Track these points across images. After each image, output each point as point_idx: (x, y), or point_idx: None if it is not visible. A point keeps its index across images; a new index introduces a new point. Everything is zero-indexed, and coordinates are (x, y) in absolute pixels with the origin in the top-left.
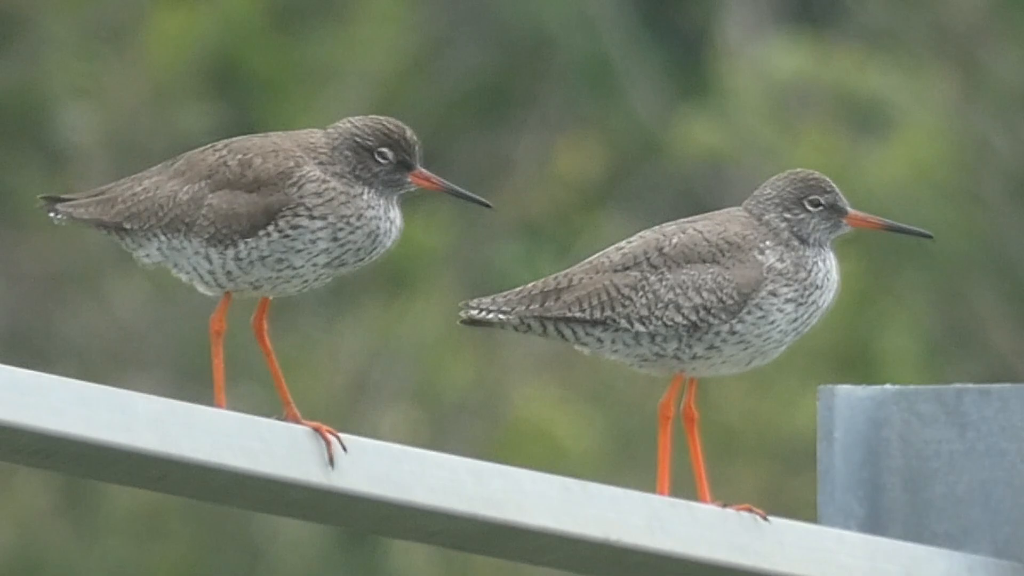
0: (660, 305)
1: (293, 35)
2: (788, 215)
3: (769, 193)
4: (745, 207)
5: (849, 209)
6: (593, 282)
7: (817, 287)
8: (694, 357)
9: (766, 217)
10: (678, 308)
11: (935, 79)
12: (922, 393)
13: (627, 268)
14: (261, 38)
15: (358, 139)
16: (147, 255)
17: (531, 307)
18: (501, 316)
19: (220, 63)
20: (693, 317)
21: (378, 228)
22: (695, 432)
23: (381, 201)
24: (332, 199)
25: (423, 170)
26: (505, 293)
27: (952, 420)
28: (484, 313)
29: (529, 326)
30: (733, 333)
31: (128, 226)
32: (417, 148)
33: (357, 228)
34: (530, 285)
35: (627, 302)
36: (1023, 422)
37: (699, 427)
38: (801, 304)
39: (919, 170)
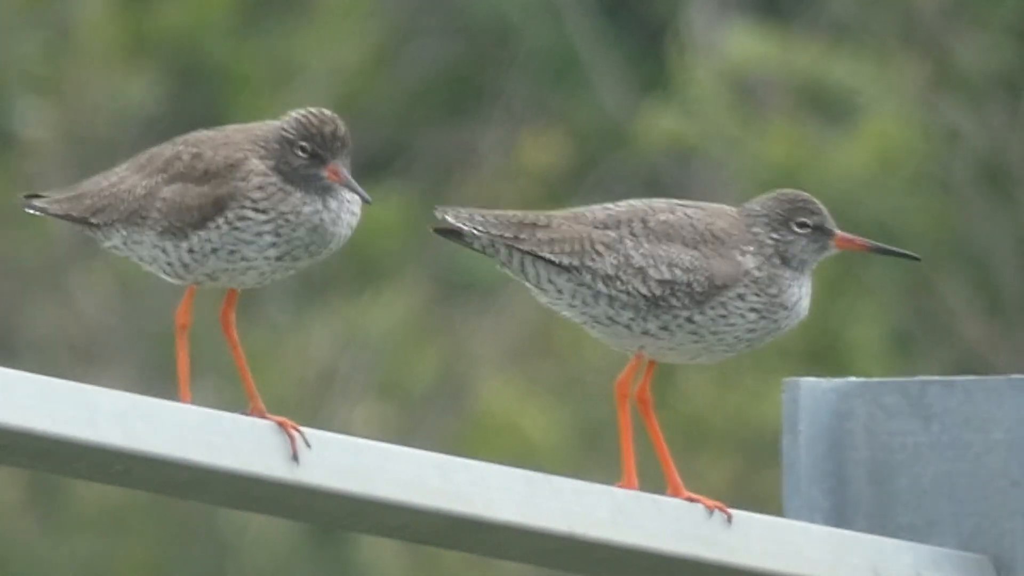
0: (629, 270)
1: (257, 28)
2: (775, 235)
3: (758, 210)
4: (738, 211)
5: (836, 231)
6: (571, 229)
7: (784, 308)
8: (645, 332)
9: (755, 230)
10: (645, 278)
11: (902, 68)
12: (886, 385)
13: (607, 227)
14: (225, 32)
15: (283, 132)
16: (115, 247)
17: (505, 233)
18: (474, 231)
19: (184, 57)
20: (657, 291)
21: (321, 222)
22: (651, 415)
23: (315, 195)
24: (273, 194)
25: (335, 165)
26: (484, 211)
27: (916, 412)
28: (460, 223)
29: (497, 250)
30: (690, 321)
31: (94, 220)
32: (336, 141)
33: (298, 225)
34: (511, 212)
35: (597, 257)
36: (987, 414)
37: (655, 410)
38: (764, 317)
39: (886, 160)
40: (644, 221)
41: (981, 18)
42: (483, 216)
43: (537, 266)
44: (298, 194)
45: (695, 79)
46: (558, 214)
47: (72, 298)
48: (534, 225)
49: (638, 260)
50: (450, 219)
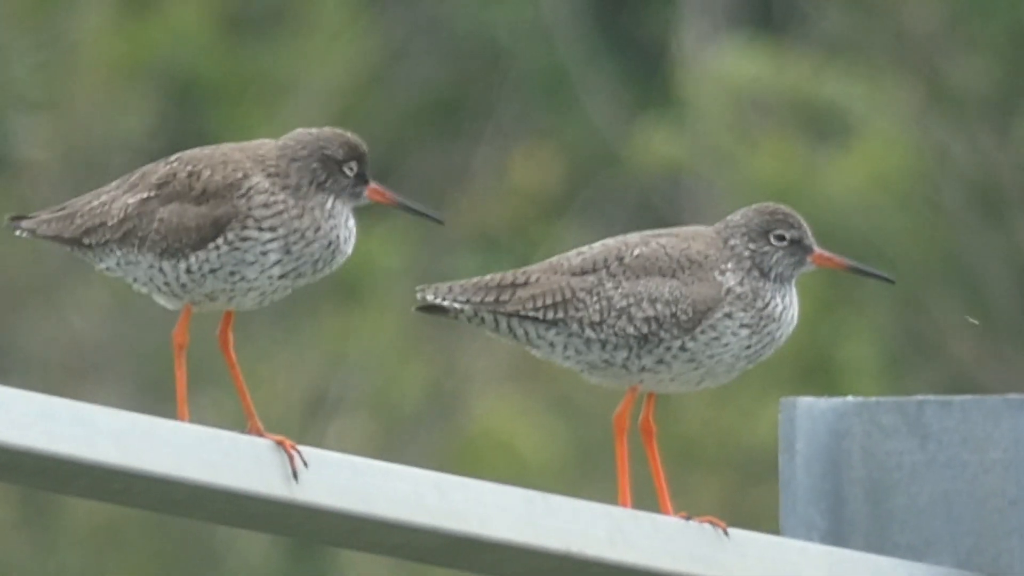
0: (613, 313)
1: (248, 47)
2: (752, 245)
3: (738, 220)
4: (715, 228)
5: (815, 248)
6: (549, 282)
7: (773, 319)
8: (642, 369)
9: (732, 242)
10: (630, 318)
11: (895, 87)
12: (883, 405)
13: (585, 272)
14: (216, 50)
15: (327, 151)
16: (108, 268)
17: (486, 299)
18: (456, 304)
19: (175, 75)
20: (644, 329)
21: (338, 238)
22: (654, 445)
23: (343, 211)
24: (282, 211)
25: (376, 184)
26: (462, 282)
27: (913, 431)
28: (440, 299)
29: (483, 319)
30: (684, 350)
31: (86, 241)
32: (368, 161)
33: (313, 241)
34: (488, 277)
35: (580, 306)
36: (984, 433)
37: (658, 440)
38: (756, 332)
39: (878, 179)
40: (620, 259)
41: (972, 39)
42: (462, 286)
43: (525, 325)
44: (325, 208)
45: (689, 96)
46: (534, 268)
47: (65, 315)
48: (513, 285)
49: (619, 301)
50: (430, 298)
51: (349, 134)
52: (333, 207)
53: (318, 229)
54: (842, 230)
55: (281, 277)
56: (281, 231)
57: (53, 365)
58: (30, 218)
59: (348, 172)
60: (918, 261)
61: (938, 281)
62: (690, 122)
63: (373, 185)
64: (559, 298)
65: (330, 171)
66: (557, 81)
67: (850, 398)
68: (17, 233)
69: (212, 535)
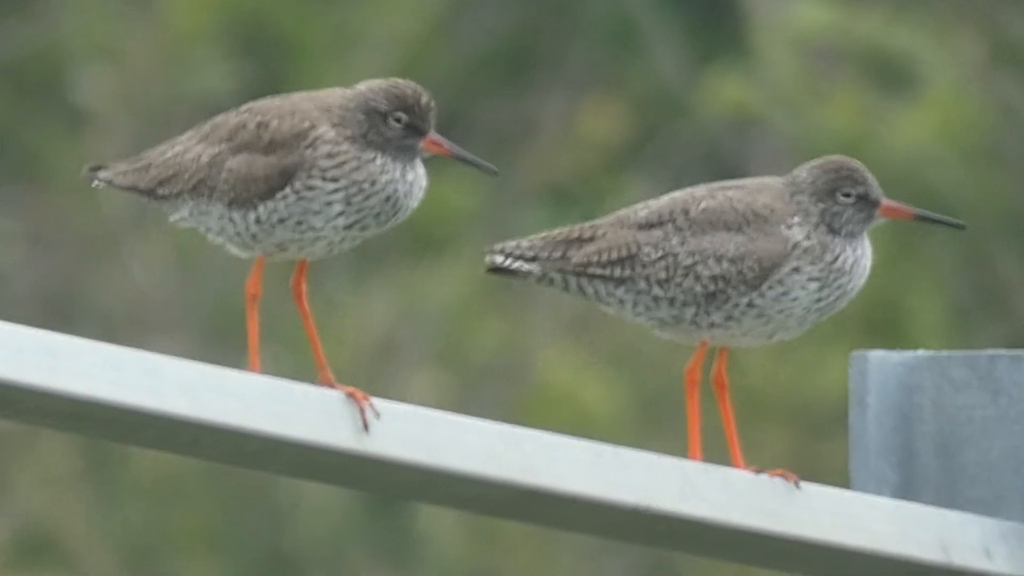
0: (679, 270)
1: None
2: (820, 204)
3: (804, 178)
4: (783, 181)
5: (882, 200)
6: (616, 237)
7: (844, 272)
8: (711, 325)
9: (799, 199)
10: (696, 276)
11: (960, 41)
12: (954, 359)
13: (651, 226)
14: (285, 1)
15: (372, 103)
16: (182, 219)
17: (552, 255)
18: (524, 267)
19: (243, 24)
20: (711, 286)
21: (395, 192)
22: (726, 399)
23: (397, 164)
24: (344, 163)
25: (435, 135)
26: (529, 238)
27: (984, 386)
28: (509, 261)
29: (552, 280)
30: (752, 306)
31: (160, 192)
32: (431, 112)
33: (372, 194)
34: (556, 231)
35: (647, 261)
36: None
37: (730, 393)
38: (826, 286)
39: (945, 132)
40: (686, 211)
41: None
42: (530, 242)
43: (594, 284)
44: (378, 162)
45: (759, 47)
46: (603, 221)
47: (129, 267)
48: (580, 240)
49: (685, 258)
50: (498, 260)
51: (399, 84)
52: (386, 160)
53: (374, 183)
54: (910, 182)
55: (347, 228)
56: (343, 182)
57: (119, 317)
58: (108, 168)
59: (395, 123)
60: (985, 215)
61: (1005, 236)
62: (759, 72)
63: (431, 136)
64: (625, 253)
65: (375, 123)
66: (625, 30)
67: (921, 352)
68: (94, 184)
69: (276, 488)
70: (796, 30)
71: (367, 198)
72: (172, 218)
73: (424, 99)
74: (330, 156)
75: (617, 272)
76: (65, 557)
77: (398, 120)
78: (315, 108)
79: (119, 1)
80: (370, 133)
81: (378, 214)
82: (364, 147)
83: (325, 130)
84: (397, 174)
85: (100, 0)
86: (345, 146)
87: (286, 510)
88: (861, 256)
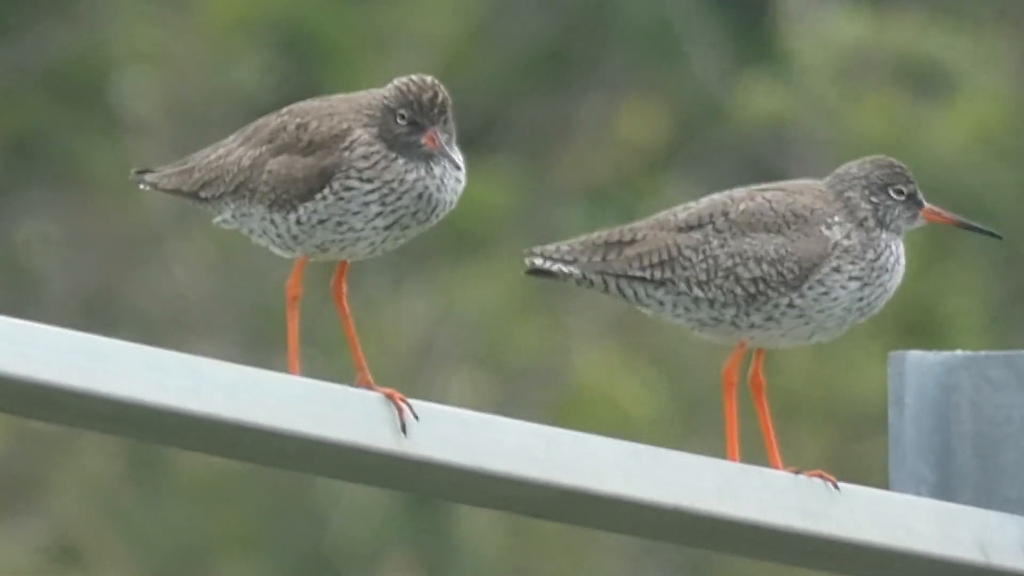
0: (719, 272)
1: None
2: (874, 199)
3: (856, 173)
4: (826, 182)
5: (924, 203)
6: (656, 239)
7: (886, 270)
8: (752, 326)
9: (848, 195)
10: (736, 278)
11: (996, 42)
12: (993, 359)
13: (691, 228)
14: (324, 1)
15: (386, 100)
16: (224, 221)
17: (592, 258)
18: (564, 269)
19: (283, 27)
20: (751, 288)
21: (426, 188)
22: (763, 399)
23: (420, 162)
24: (377, 163)
25: (433, 131)
26: (569, 241)
27: (1023, 385)
28: (548, 263)
29: (592, 282)
30: (792, 307)
31: (203, 194)
32: (435, 108)
33: (403, 193)
34: (595, 235)
35: (687, 264)
36: None
37: (767, 394)
38: (867, 284)
39: (981, 133)
40: (725, 213)
41: None
42: (569, 246)
43: (633, 285)
44: (401, 162)
45: (795, 53)
46: (642, 224)
47: (172, 269)
48: (620, 243)
49: (725, 260)
50: (538, 262)
51: (409, 80)
52: (408, 158)
53: (402, 181)
54: (946, 185)
55: (387, 228)
56: (376, 183)
57: (160, 318)
58: (153, 172)
59: (400, 120)
60: (1021, 216)
61: None
62: (794, 77)
63: (429, 131)
64: (665, 256)
65: (386, 120)
66: (663, 33)
67: (959, 352)
68: (141, 187)
69: (317, 490)
70: (831, 36)
71: (399, 198)
72: (216, 220)
73: (427, 95)
74: (365, 157)
75: (657, 274)
76: (105, 559)
77: (402, 116)
78: (351, 110)
79: (160, 5)
80: (385, 131)
81: (415, 212)
82: (391, 146)
83: (360, 132)
84: (423, 171)
85: (141, 4)
86: (377, 146)
87: (326, 511)
88: (901, 255)
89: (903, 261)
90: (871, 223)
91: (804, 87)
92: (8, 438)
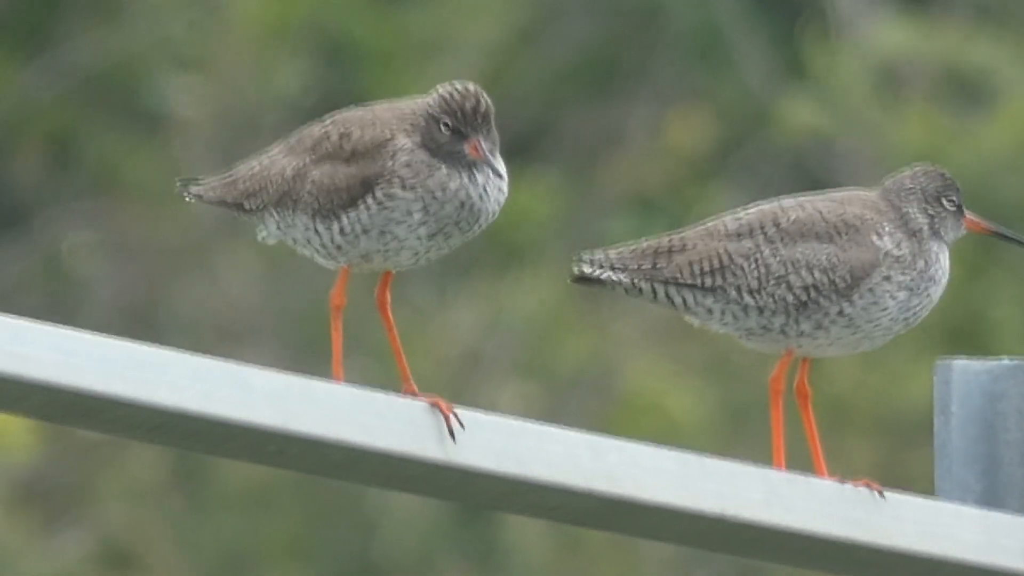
0: (771, 280)
1: (400, 4)
2: (930, 210)
3: (909, 185)
4: (877, 193)
5: (965, 212)
6: (706, 247)
7: (934, 281)
8: (800, 334)
9: (904, 207)
10: (788, 285)
11: None
12: None
13: (741, 237)
14: (368, 7)
15: (428, 108)
16: (269, 234)
17: (642, 265)
18: (612, 277)
19: (327, 33)
20: (803, 296)
21: (468, 197)
22: (809, 408)
23: (461, 170)
24: (419, 172)
25: (476, 140)
26: (618, 248)
27: None
28: (596, 270)
29: (640, 289)
30: (842, 315)
31: (247, 205)
32: (477, 117)
33: (446, 201)
34: (644, 243)
35: (738, 271)
36: None
37: (813, 403)
38: (916, 294)
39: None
40: (776, 223)
41: None
42: (618, 253)
43: (683, 293)
44: (443, 170)
45: (839, 63)
46: (690, 233)
47: (217, 277)
48: (669, 251)
49: (777, 268)
50: (587, 270)
51: (452, 88)
52: (449, 168)
53: (445, 190)
54: (989, 194)
55: (431, 237)
56: (420, 191)
57: (206, 327)
58: (198, 183)
59: (443, 129)
60: None
61: None
62: (838, 87)
63: (471, 140)
64: (716, 264)
65: (429, 129)
66: (712, 41)
67: (1005, 360)
68: (186, 198)
69: (363, 498)
70: (875, 47)
71: (442, 206)
72: (260, 236)
73: (470, 103)
74: (408, 165)
75: (709, 282)
76: (153, 568)
77: (446, 125)
78: (393, 118)
79: (200, 11)
80: (428, 140)
81: (458, 221)
82: (434, 155)
83: (403, 140)
84: (465, 179)
85: (181, 11)
86: (420, 154)
87: (374, 520)
88: (947, 266)
89: (948, 272)
90: (926, 233)
91: (847, 97)
92: (55, 447)
